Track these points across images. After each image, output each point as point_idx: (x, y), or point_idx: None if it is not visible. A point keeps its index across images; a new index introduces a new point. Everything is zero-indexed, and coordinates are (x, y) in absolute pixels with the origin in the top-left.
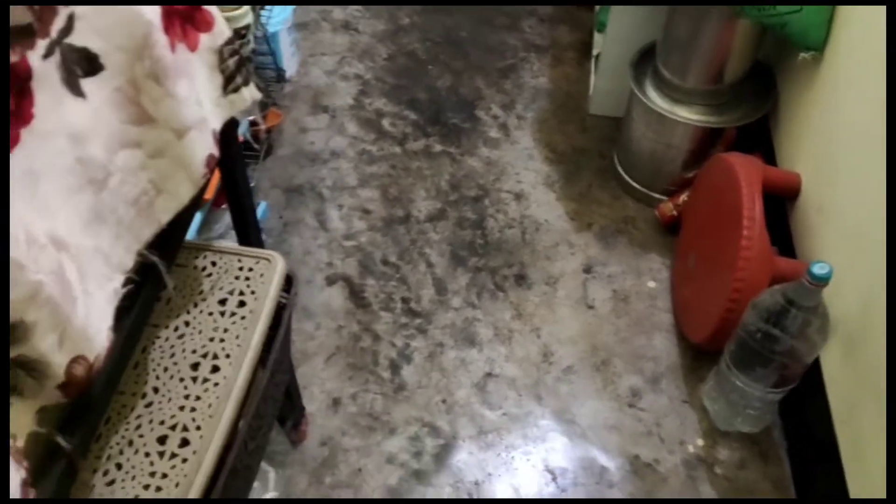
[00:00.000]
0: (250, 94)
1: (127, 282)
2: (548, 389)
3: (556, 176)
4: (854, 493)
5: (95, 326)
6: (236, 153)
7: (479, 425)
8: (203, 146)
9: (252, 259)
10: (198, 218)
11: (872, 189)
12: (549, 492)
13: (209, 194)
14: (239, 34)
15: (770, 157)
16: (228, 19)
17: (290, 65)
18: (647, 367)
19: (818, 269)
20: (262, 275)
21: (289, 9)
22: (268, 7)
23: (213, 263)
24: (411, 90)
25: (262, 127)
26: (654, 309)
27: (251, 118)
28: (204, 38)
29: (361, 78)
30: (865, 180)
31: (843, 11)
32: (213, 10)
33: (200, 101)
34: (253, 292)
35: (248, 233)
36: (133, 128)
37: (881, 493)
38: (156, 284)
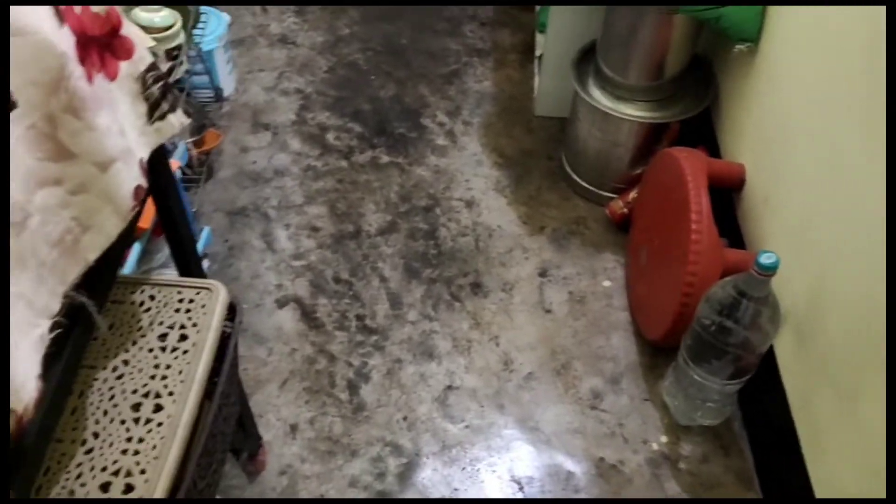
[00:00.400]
0: (178, 120)
1: (54, 326)
2: (510, 398)
3: (506, 180)
4: (815, 478)
5: (22, 376)
6: (168, 181)
7: (442, 440)
8: (129, 178)
9: (192, 290)
10: (137, 248)
11: (814, 177)
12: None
13: (146, 223)
14: (171, 55)
15: (714, 150)
16: (159, 40)
17: (227, 83)
18: (607, 368)
19: (765, 259)
20: (203, 305)
21: (223, 25)
22: (200, 25)
23: (152, 297)
24: (354, 102)
25: (194, 153)
26: (611, 308)
27: (188, 142)
28: (124, 66)
29: (302, 92)
30: (806, 169)
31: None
32: (133, 35)
33: (124, 131)
34: (195, 324)
35: (188, 262)
36: (52, 164)
37: (840, 478)
38: (88, 326)
